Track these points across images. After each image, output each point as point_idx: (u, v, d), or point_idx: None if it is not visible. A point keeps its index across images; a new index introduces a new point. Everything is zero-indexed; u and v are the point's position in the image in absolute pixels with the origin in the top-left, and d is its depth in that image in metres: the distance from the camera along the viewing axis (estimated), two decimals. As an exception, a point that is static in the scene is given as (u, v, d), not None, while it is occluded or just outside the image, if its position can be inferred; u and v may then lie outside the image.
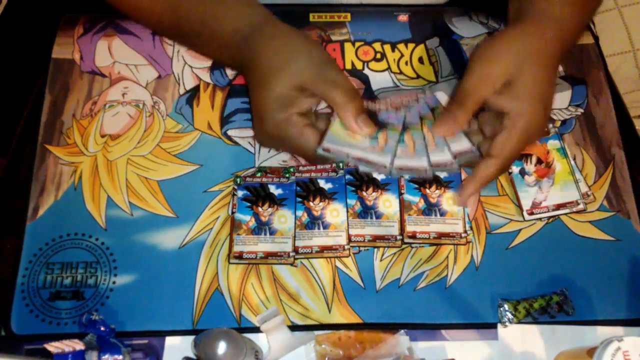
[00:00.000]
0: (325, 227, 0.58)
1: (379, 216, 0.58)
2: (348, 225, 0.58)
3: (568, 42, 0.55)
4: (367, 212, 0.58)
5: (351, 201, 0.59)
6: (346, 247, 0.57)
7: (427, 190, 0.59)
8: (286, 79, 0.52)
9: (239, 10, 0.55)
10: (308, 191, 0.59)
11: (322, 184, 0.59)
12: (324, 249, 0.57)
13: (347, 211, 0.59)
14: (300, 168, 0.60)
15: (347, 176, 0.60)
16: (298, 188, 0.59)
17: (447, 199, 0.59)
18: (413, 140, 0.56)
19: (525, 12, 0.55)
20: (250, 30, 0.54)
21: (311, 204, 0.59)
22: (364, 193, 0.59)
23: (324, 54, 0.54)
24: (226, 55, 0.56)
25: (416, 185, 0.59)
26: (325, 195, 0.59)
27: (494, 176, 0.54)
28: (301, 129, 0.53)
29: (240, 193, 0.59)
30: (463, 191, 0.54)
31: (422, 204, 0.59)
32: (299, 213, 0.59)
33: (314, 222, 0.58)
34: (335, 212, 0.59)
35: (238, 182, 0.60)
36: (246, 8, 0.55)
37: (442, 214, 0.58)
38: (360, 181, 0.59)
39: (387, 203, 0.59)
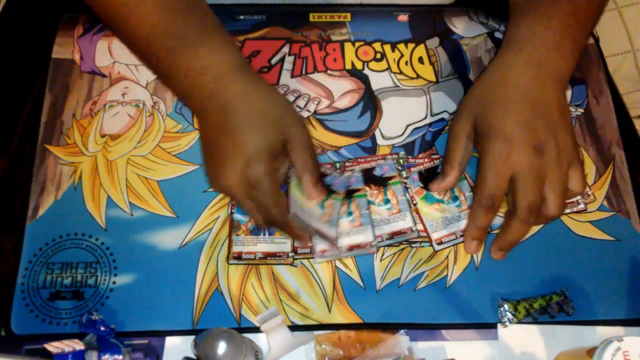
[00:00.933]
0: (325, 227, 0.58)
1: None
2: (348, 225, 0.58)
3: (550, 62, 0.55)
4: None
5: None
6: (346, 247, 0.57)
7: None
8: (280, 129, 0.50)
9: (223, 44, 0.54)
10: None
11: None
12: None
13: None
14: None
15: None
16: None
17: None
18: (359, 209, 0.58)
19: (503, 45, 0.58)
20: (229, 67, 0.52)
21: None
22: None
23: (300, 114, 0.54)
24: (194, 81, 0.53)
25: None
26: None
27: (480, 214, 0.53)
28: (279, 191, 0.51)
29: (240, 193, 0.59)
30: (465, 238, 0.56)
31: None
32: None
33: (314, 222, 0.58)
34: (335, 212, 0.59)
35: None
36: (230, 46, 0.54)
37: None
38: None
39: None
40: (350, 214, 0.58)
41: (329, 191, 0.58)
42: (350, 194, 0.59)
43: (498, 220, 0.59)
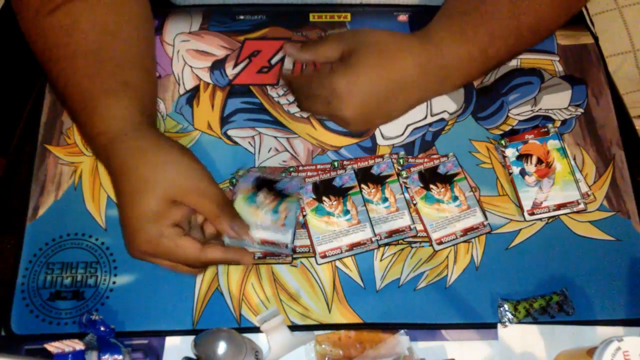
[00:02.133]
0: (325, 227, 0.58)
1: None
2: (348, 225, 0.58)
3: (450, 64, 0.56)
4: None
5: None
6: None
7: None
8: (155, 193, 0.49)
9: (116, 109, 0.51)
10: None
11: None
12: (324, 249, 0.57)
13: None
14: (300, 168, 0.61)
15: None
16: None
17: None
18: (355, 207, 0.58)
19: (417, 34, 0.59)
20: (115, 135, 0.51)
21: None
22: None
23: (194, 163, 0.52)
24: (94, 147, 0.53)
25: None
26: None
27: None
28: (176, 241, 0.50)
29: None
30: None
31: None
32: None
33: (314, 222, 0.58)
34: (335, 212, 0.59)
35: (234, 182, 0.60)
36: (123, 110, 0.52)
37: None
38: None
39: None
40: (347, 212, 0.58)
41: (282, 195, 0.57)
42: (345, 192, 0.59)
43: (498, 221, 0.59)
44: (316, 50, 0.58)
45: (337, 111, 0.55)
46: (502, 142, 0.62)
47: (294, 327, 0.54)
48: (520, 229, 0.59)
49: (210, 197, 0.51)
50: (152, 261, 0.52)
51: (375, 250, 0.57)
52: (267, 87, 0.65)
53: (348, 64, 0.54)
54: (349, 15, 0.71)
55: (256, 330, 0.54)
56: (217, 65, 0.66)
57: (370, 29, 0.58)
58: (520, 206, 0.60)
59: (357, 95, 0.54)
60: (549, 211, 0.59)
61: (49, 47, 0.52)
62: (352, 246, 0.57)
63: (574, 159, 0.62)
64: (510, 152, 0.62)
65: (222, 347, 0.47)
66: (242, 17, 0.70)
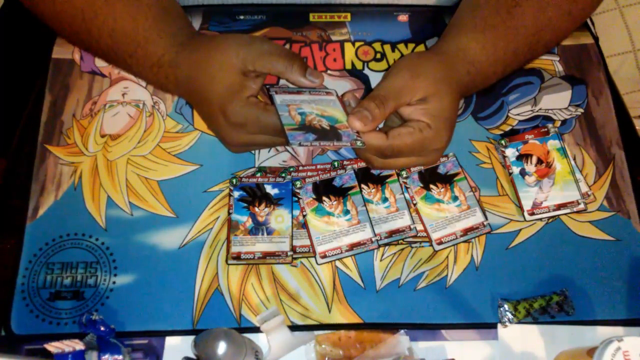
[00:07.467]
0: (325, 227, 0.58)
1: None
2: (348, 225, 0.58)
3: (476, 82, 0.58)
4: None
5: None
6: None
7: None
8: (226, 67, 0.53)
9: (169, 32, 0.56)
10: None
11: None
12: (323, 249, 0.57)
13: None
14: (300, 168, 0.61)
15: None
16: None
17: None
18: (356, 207, 0.58)
19: (446, 45, 0.58)
20: (179, 49, 0.55)
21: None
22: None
23: (250, 36, 0.55)
24: (160, 75, 0.56)
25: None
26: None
27: (371, 152, 0.54)
28: (264, 106, 0.53)
29: (236, 194, 0.59)
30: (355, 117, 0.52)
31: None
32: (296, 212, 0.59)
33: (314, 222, 0.58)
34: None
35: (234, 182, 0.60)
36: (175, 29, 0.57)
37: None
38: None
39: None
40: (347, 212, 0.58)
41: (344, 191, 0.58)
42: (345, 192, 0.59)
43: (498, 221, 0.59)
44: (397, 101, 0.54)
45: (434, 160, 0.58)
46: (502, 142, 0.62)
47: (294, 327, 0.54)
48: (520, 229, 0.59)
49: (276, 54, 0.53)
50: (249, 142, 0.55)
51: (375, 250, 0.57)
52: (267, 86, 0.65)
53: (437, 117, 0.54)
54: (349, 15, 0.71)
55: (256, 330, 0.54)
56: (217, 65, 0.66)
57: (417, 60, 0.56)
58: (520, 206, 0.60)
59: (450, 137, 0.56)
60: (549, 211, 0.59)
61: (81, 9, 0.54)
62: (352, 246, 0.57)
63: (574, 159, 0.62)
64: (510, 152, 0.62)
65: (222, 347, 0.47)
66: (242, 17, 0.70)
